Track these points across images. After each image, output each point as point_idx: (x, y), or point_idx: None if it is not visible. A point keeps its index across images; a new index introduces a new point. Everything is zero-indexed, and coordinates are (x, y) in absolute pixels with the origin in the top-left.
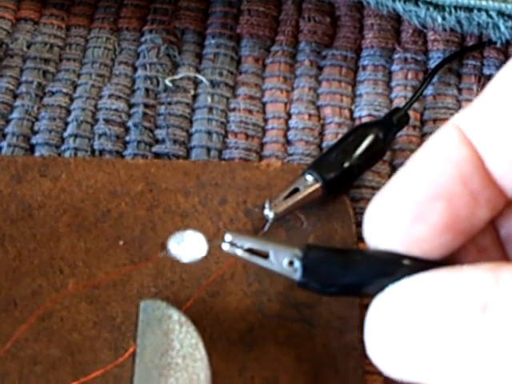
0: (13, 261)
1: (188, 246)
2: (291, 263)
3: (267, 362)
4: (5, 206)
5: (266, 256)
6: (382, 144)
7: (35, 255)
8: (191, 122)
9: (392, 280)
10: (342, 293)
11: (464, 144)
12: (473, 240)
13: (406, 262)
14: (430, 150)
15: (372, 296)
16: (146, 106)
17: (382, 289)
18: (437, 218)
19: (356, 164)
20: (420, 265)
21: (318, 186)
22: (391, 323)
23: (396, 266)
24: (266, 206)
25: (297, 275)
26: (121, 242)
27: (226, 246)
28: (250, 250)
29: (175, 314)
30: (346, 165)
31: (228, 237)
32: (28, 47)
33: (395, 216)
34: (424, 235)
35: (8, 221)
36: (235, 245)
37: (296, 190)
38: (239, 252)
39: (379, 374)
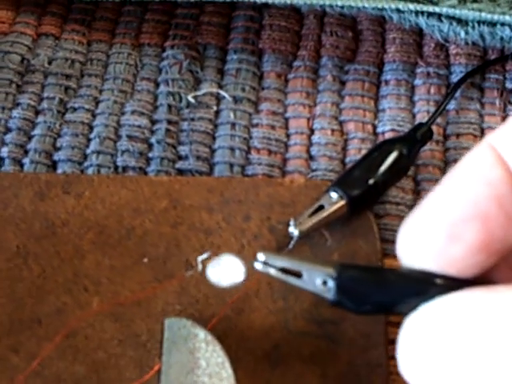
0: (37, 278)
1: (226, 271)
2: (325, 282)
3: (292, 380)
4: (28, 223)
5: (299, 275)
6: (406, 160)
7: (59, 273)
8: (214, 138)
9: (425, 299)
10: (374, 311)
11: (499, 164)
12: (504, 258)
13: (438, 280)
14: (465, 170)
15: (404, 314)
16: (169, 122)
17: (414, 307)
18: (472, 239)
19: (381, 181)
20: (453, 284)
21: (342, 203)
22: (425, 342)
23: (429, 285)
24: (291, 223)
25: (330, 294)
26: (145, 260)
27: (259, 266)
28: (283, 270)
29: (201, 333)
30: (371, 182)
31: (261, 256)
32: (49, 63)
33: (430, 235)
34: (458, 255)
35: (32, 238)
36: (268, 264)
37: (321, 207)
38: (272, 271)
39: None
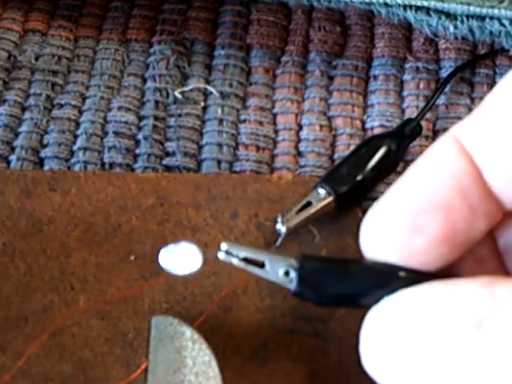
0: (23, 276)
1: (182, 258)
2: (287, 273)
3: (280, 379)
4: (15, 220)
5: (261, 265)
6: (394, 156)
7: (46, 270)
8: (201, 135)
9: (388, 292)
10: (337, 303)
11: (462, 156)
12: (471, 251)
13: (402, 273)
14: (429, 162)
15: (368, 307)
16: (156, 118)
17: (377, 300)
18: (434, 230)
19: (369, 177)
20: (416, 277)
21: (330, 199)
22: (386, 335)
23: (392, 278)
24: (279, 220)
25: (292, 285)
26: (132, 257)
27: (221, 255)
28: (245, 259)
29: (188, 331)
30: (359, 178)
31: (224, 246)
32: (36, 59)
33: (392, 227)
34: (421, 247)
35: (18, 236)
36: (231, 254)
37: (308, 204)
38: (235, 261)
39: None
